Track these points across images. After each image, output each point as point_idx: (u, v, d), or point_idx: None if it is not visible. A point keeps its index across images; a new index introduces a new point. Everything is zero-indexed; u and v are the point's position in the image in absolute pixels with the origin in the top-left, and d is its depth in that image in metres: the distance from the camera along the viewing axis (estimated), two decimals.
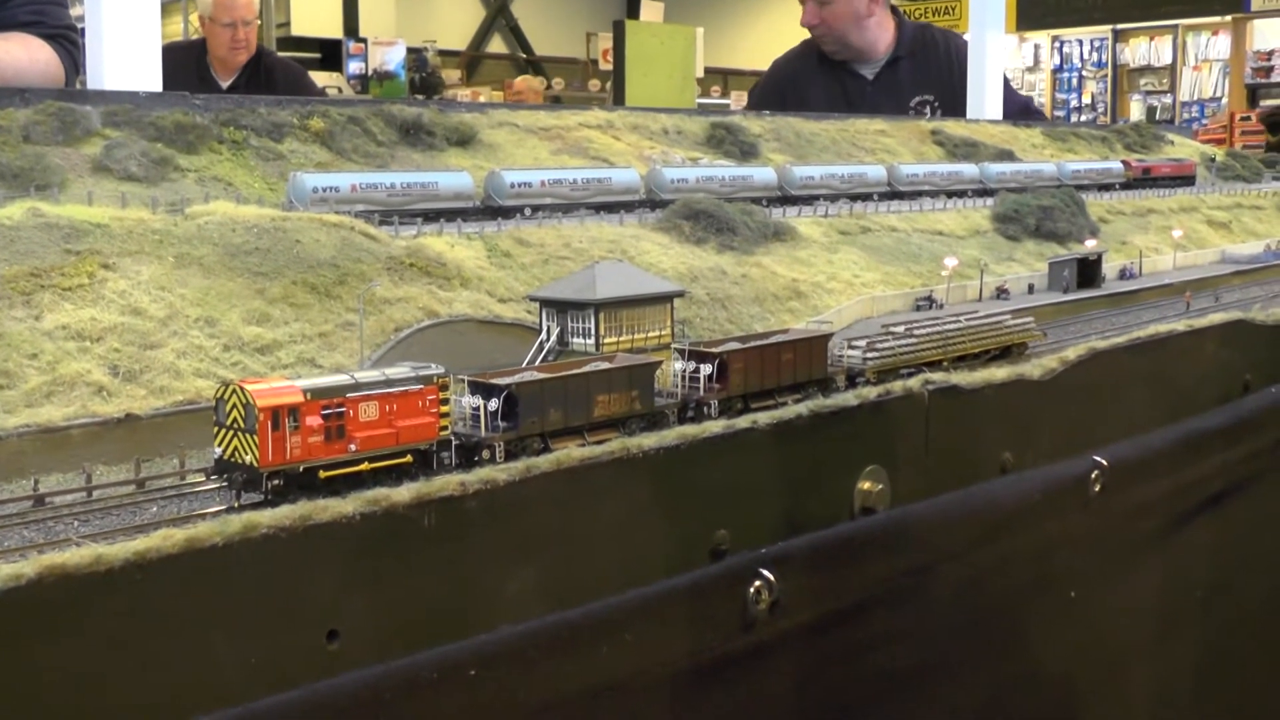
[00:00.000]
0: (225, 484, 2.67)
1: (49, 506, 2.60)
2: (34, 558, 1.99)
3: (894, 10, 11.07)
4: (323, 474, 2.65)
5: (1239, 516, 4.65)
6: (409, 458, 2.82)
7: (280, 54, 15.66)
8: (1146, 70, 33.78)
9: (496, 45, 41.46)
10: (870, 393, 3.37)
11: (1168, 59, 33.20)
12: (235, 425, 2.61)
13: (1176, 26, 32.91)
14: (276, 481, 2.61)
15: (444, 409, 2.90)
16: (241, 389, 2.61)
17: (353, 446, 2.71)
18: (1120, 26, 33.76)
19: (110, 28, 5.50)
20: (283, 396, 2.63)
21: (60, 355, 3.00)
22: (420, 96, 26.86)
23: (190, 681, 2.12)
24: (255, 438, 2.58)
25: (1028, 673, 3.85)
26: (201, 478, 2.78)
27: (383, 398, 2.79)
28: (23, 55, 6.15)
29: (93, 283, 3.27)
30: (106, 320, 3.17)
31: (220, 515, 2.29)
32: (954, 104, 10.67)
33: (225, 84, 10.51)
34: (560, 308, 3.59)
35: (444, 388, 2.90)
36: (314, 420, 2.66)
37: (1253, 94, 30.46)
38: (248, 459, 2.60)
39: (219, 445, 2.66)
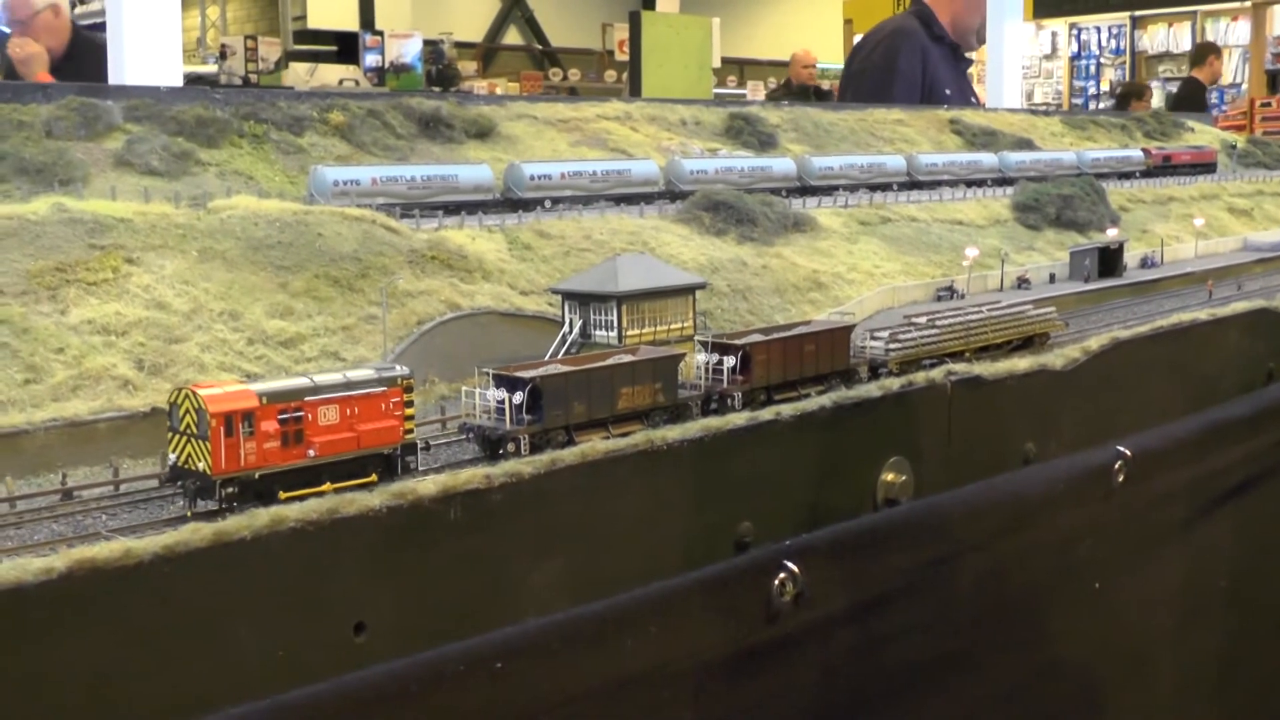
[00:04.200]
0: (179, 491, 2.59)
1: (77, 500, 2.61)
2: (64, 551, 2.01)
3: None
4: (282, 494, 2.55)
5: (1263, 505, 4.64)
6: (374, 476, 2.73)
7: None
8: (1165, 57, 33.63)
9: (512, 37, 41.46)
10: (893, 384, 3.37)
11: (1187, 45, 33.03)
12: (189, 431, 2.52)
13: (1195, 13, 32.76)
14: (231, 489, 2.52)
15: (409, 411, 2.81)
16: (194, 393, 2.52)
17: (311, 452, 2.62)
18: (1138, 13, 33.63)
19: (131, 24, 5.53)
20: (236, 401, 2.53)
21: (86, 349, 3.01)
22: (437, 89, 26.87)
23: (218, 674, 2.13)
24: (208, 444, 2.49)
25: (1050, 663, 3.85)
26: None
27: (343, 401, 2.69)
28: None
29: (117, 277, 3.28)
30: (131, 314, 3.18)
31: (248, 509, 2.28)
32: None
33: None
34: (582, 300, 3.59)
35: (408, 389, 2.81)
36: (270, 425, 2.56)
37: (1273, 80, 30.33)
38: (201, 466, 2.51)
39: (173, 451, 2.56)
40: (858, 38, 15.64)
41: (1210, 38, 33.40)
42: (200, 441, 2.51)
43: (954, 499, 3.33)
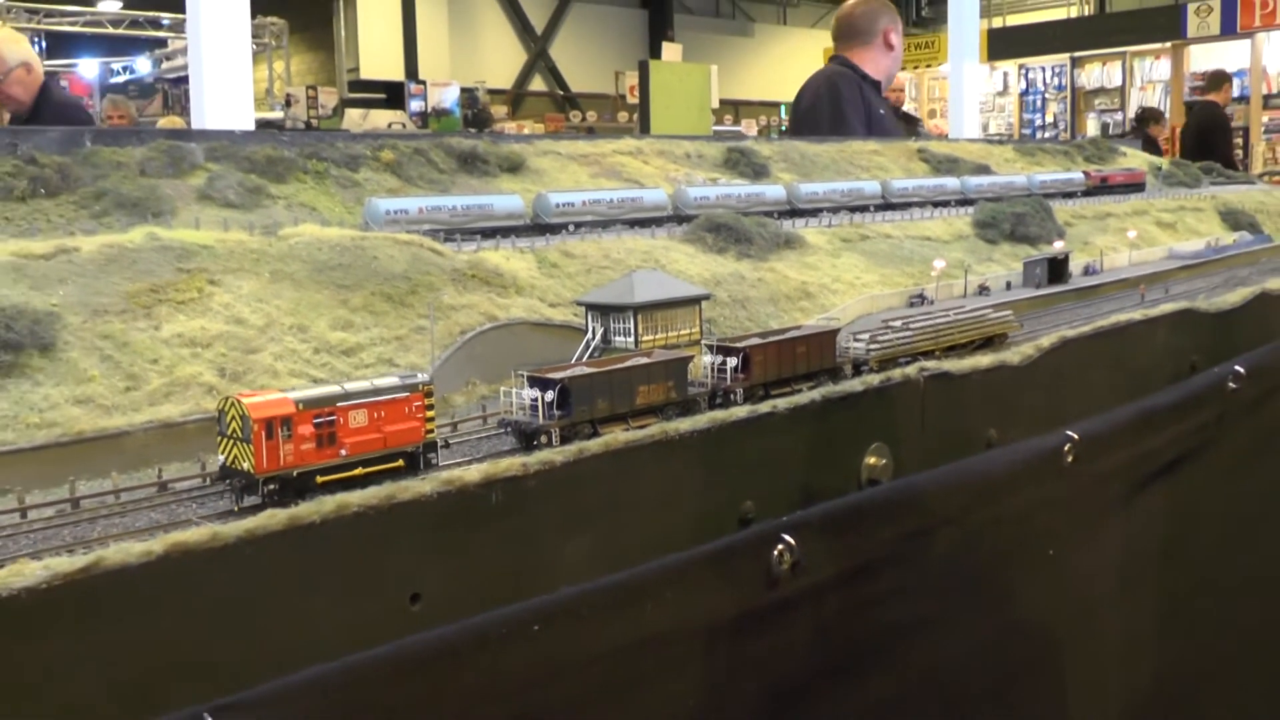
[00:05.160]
0: (227, 488, 2.53)
1: (171, 492, 2.60)
2: (161, 536, 2.00)
3: None
4: (319, 479, 2.51)
5: (1189, 480, 4.62)
6: (400, 462, 2.64)
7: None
8: (1100, 92, 33.62)
9: (537, 84, 41.58)
10: (873, 379, 3.36)
11: (1118, 81, 33.05)
12: (235, 435, 2.48)
13: (1125, 53, 32.82)
14: (272, 486, 2.47)
15: (429, 414, 2.73)
16: (238, 402, 2.48)
17: (343, 452, 2.57)
18: (1077, 54, 33.70)
19: (210, 77, 5.53)
20: (276, 408, 2.49)
21: (176, 360, 3.00)
22: (473, 130, 26.91)
23: (295, 640, 2.13)
24: (251, 446, 2.45)
25: (1013, 620, 3.83)
26: None
27: (371, 405, 2.63)
28: None
29: (202, 296, 3.27)
30: (214, 329, 3.17)
31: (317, 497, 2.27)
32: None
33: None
34: (603, 311, 3.57)
35: (429, 395, 2.73)
36: (306, 429, 2.51)
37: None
38: (245, 466, 2.47)
39: (222, 453, 2.52)
40: None
41: (1137, 75, 33.47)
42: (244, 444, 2.46)
43: (928, 479, 3.31)
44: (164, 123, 22.39)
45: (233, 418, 2.49)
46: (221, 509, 2.50)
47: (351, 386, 2.66)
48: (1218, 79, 23.00)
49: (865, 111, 10.05)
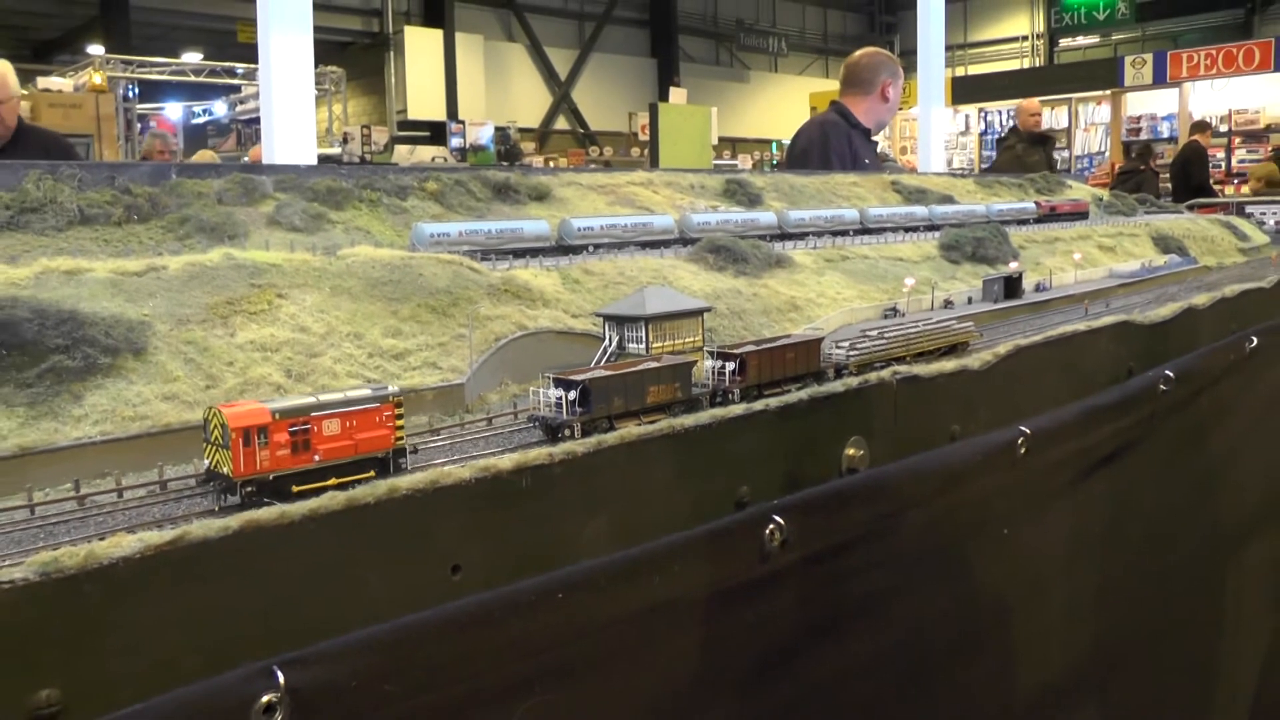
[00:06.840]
0: (211, 490, 2.44)
1: None
2: (236, 515, 2.01)
3: None
4: (295, 488, 2.40)
5: (1126, 471, 4.62)
6: (372, 472, 2.52)
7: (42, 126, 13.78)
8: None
9: (561, 123, 41.63)
10: (853, 381, 3.36)
11: (1064, 123, 33.00)
12: (217, 442, 2.39)
13: (1070, 99, 32.81)
14: (250, 489, 2.37)
15: (399, 423, 2.61)
16: (219, 412, 2.38)
17: (316, 457, 2.46)
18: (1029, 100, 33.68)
19: (279, 119, 5.55)
20: (253, 418, 2.39)
21: (249, 363, 3.01)
22: (505, 163, 26.93)
23: (350, 605, 2.14)
24: (230, 452, 2.35)
25: (971, 592, 3.83)
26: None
27: (344, 415, 2.52)
28: None
29: (271, 308, 3.28)
30: (281, 336, 3.17)
31: (371, 481, 2.28)
32: None
33: None
34: (619, 321, 3.57)
35: (399, 405, 2.61)
36: (281, 436, 2.41)
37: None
38: (225, 470, 2.37)
39: (207, 458, 2.43)
40: None
41: (1081, 118, 33.51)
42: (225, 450, 2.38)
43: (899, 468, 3.32)
44: (198, 157, 22.49)
45: (215, 426, 2.42)
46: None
47: (325, 398, 2.56)
48: (1201, 125, 24.37)
49: (851, 160, 10.03)
